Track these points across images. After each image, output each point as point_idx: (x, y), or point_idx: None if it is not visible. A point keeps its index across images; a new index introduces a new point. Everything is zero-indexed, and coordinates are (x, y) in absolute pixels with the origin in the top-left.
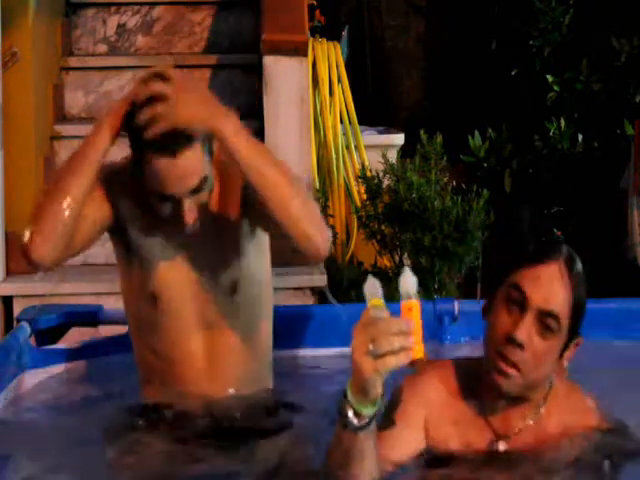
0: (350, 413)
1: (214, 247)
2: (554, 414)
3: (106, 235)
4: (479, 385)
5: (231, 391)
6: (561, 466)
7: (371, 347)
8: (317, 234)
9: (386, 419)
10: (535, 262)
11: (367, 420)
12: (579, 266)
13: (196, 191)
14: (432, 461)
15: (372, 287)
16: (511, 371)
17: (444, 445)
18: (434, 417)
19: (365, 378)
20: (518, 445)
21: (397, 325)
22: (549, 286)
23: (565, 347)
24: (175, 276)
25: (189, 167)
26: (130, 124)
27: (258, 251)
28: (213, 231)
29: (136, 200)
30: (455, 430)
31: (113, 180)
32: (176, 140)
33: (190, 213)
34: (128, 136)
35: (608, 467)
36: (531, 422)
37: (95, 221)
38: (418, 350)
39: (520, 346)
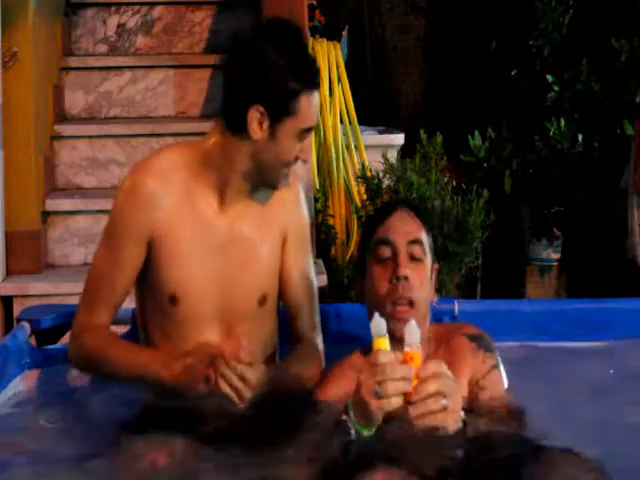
0: (352, 432)
1: (249, 258)
2: (436, 358)
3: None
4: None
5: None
6: None
7: (378, 389)
8: None
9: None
10: (385, 216)
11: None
12: (419, 207)
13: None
14: None
15: (378, 326)
16: (407, 314)
17: None
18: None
19: (371, 413)
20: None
21: (401, 371)
22: (404, 224)
23: (431, 271)
24: (201, 280)
25: None
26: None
27: None
28: (251, 242)
29: (177, 198)
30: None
31: (151, 189)
32: (318, 78)
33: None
34: (266, 108)
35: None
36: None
37: (137, 267)
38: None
39: (406, 279)
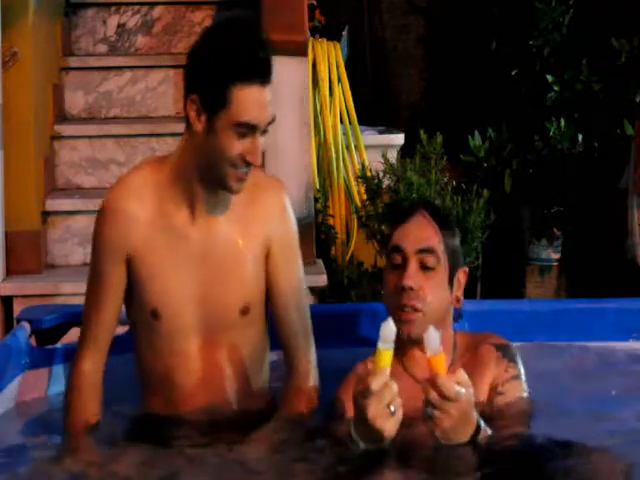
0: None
1: (228, 268)
2: (461, 365)
3: None
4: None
5: (230, 402)
6: None
7: (392, 409)
8: None
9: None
10: (402, 220)
11: None
12: (440, 211)
13: (269, 123)
14: None
15: (386, 332)
16: (412, 316)
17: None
18: None
19: (391, 437)
20: None
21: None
22: (418, 231)
23: (452, 278)
24: (180, 293)
25: (270, 97)
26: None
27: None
28: (229, 252)
29: (152, 215)
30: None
31: (129, 208)
32: (266, 71)
33: (260, 153)
34: (200, 103)
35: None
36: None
37: (120, 287)
38: None
39: (411, 289)
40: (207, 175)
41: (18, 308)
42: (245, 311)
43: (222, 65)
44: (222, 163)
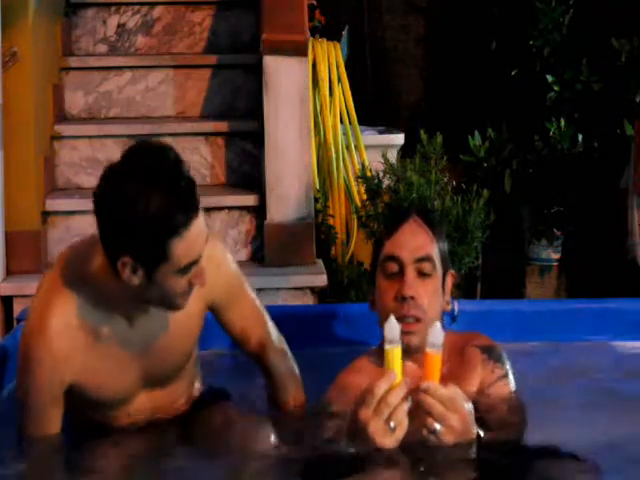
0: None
1: (173, 344)
2: (448, 367)
3: None
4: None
5: (171, 409)
6: None
7: (392, 425)
8: None
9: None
10: (395, 227)
11: None
12: (432, 215)
13: None
14: None
15: (391, 331)
16: (414, 327)
17: None
18: None
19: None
20: None
21: (401, 391)
22: (414, 239)
23: (443, 282)
24: (131, 388)
25: (203, 217)
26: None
27: None
28: (172, 334)
29: (87, 342)
30: None
31: (59, 351)
32: (195, 203)
33: (205, 273)
34: (138, 260)
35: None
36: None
37: (62, 412)
38: None
39: (412, 298)
40: (148, 303)
41: (18, 308)
42: (189, 357)
43: (152, 228)
44: (171, 299)
